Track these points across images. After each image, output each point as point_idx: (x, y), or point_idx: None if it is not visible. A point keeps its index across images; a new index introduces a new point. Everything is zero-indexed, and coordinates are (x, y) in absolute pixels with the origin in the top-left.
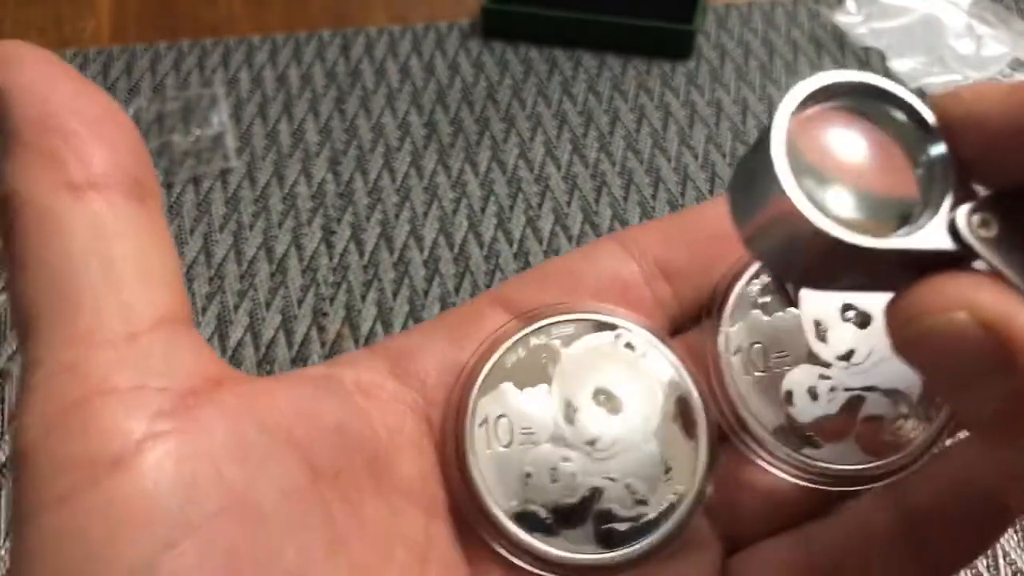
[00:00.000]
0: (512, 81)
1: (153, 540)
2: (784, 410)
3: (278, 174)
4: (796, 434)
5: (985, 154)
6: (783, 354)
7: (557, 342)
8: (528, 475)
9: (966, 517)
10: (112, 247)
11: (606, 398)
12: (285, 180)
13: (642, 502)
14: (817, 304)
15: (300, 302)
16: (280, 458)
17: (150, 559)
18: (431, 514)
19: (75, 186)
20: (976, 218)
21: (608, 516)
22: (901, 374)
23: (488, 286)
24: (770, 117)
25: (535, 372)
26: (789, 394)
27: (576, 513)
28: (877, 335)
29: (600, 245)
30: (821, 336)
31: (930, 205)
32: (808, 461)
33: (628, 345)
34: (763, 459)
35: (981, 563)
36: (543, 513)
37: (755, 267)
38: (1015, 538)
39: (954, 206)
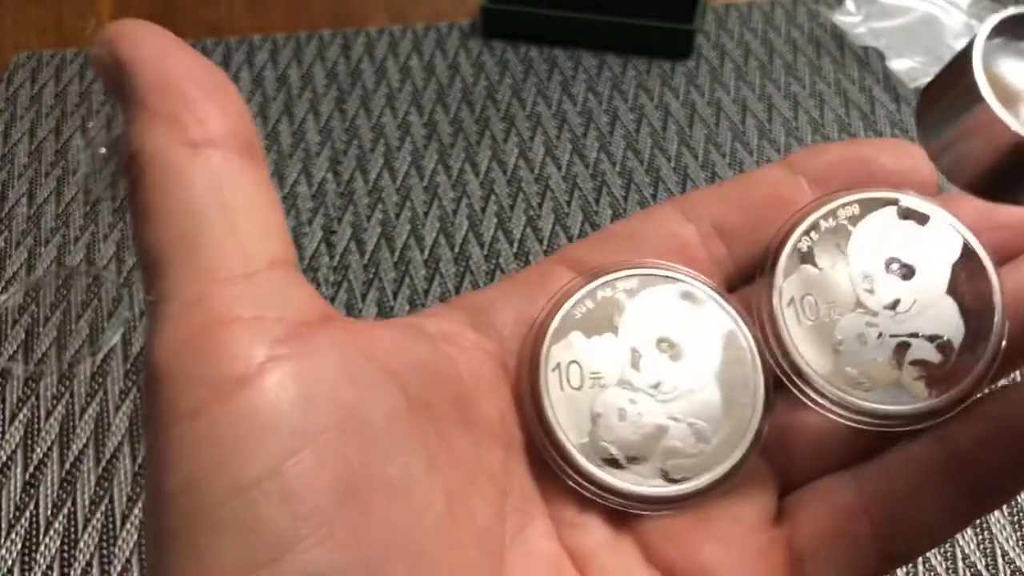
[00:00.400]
0: (512, 81)
1: (276, 448)
2: (835, 356)
3: (279, 174)
4: (846, 379)
5: None
6: (833, 304)
7: (622, 295)
8: (598, 415)
9: (1012, 453)
10: (229, 196)
11: (668, 345)
12: (286, 180)
13: (704, 440)
14: (864, 258)
15: None
16: (382, 384)
17: (274, 464)
18: (509, 450)
19: (194, 143)
20: None
21: (672, 452)
22: (944, 321)
23: None
24: (968, 43)
25: (602, 322)
26: (840, 341)
27: (642, 449)
28: (920, 286)
29: (659, 209)
30: (869, 287)
31: None
32: (858, 403)
33: (687, 296)
34: (815, 403)
35: (980, 562)
36: (613, 449)
37: (806, 224)
38: (1014, 537)
39: None
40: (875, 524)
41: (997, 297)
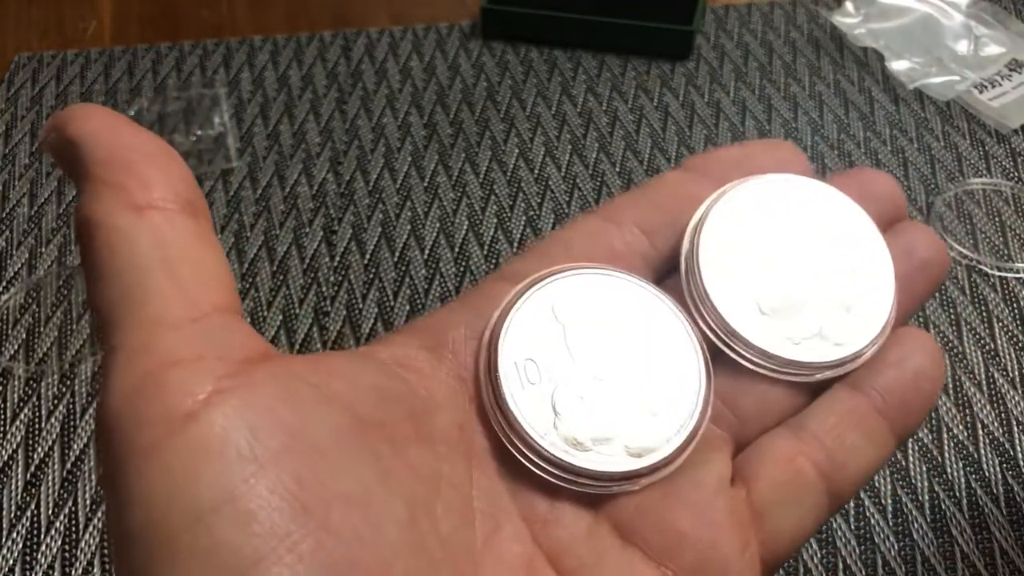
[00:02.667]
0: (512, 82)
1: (228, 474)
2: (762, 317)
3: (279, 174)
4: (776, 337)
5: None
6: (753, 273)
7: (562, 293)
8: (558, 404)
9: (916, 392)
10: (172, 252)
11: (611, 331)
12: (286, 180)
13: (658, 415)
14: (769, 232)
15: (301, 301)
16: (328, 406)
17: (228, 489)
18: (472, 460)
19: (138, 206)
20: None
21: (632, 431)
22: (853, 275)
23: None
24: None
25: (548, 320)
26: (764, 304)
27: (604, 430)
28: (821, 248)
29: (584, 218)
30: (778, 257)
31: None
32: (789, 357)
33: (622, 287)
34: (752, 361)
35: (980, 562)
36: (578, 434)
37: (716, 208)
38: (1013, 536)
39: None
40: (816, 464)
41: (889, 259)
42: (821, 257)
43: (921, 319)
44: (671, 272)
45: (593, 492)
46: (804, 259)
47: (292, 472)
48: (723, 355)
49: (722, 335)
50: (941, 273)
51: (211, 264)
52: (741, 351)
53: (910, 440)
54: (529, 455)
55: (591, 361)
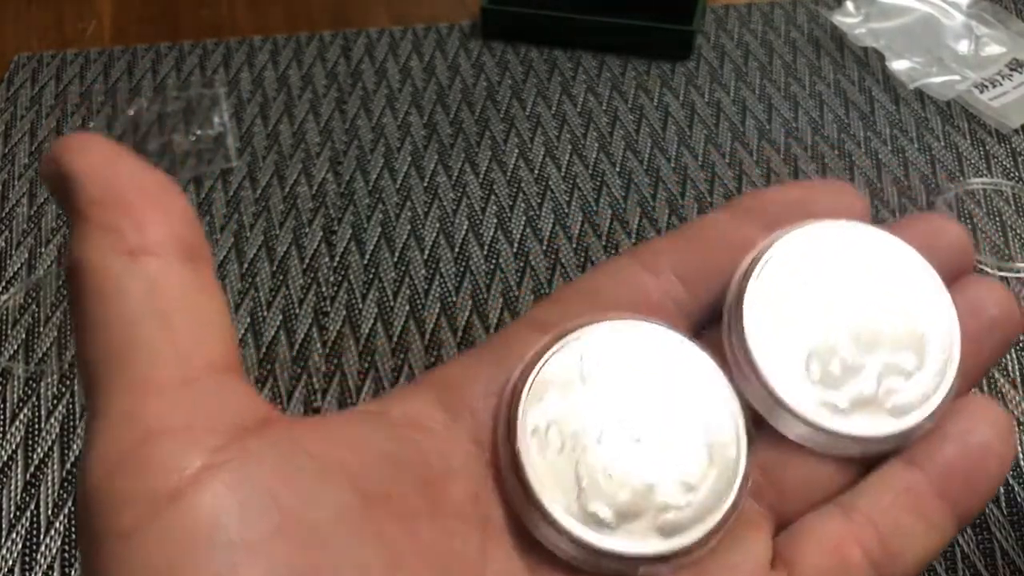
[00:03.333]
0: (512, 82)
1: (214, 564)
2: (811, 383)
3: (279, 174)
4: (826, 405)
5: None
6: (803, 332)
7: (594, 349)
8: (583, 476)
9: (982, 470)
10: (166, 303)
11: (645, 395)
12: (286, 180)
13: (692, 490)
14: (826, 284)
15: (301, 302)
16: (330, 482)
17: None
18: (486, 532)
19: (132, 251)
20: None
21: (663, 507)
22: (907, 340)
23: (488, 286)
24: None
25: (576, 380)
26: (814, 368)
27: (633, 507)
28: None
29: (617, 261)
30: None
31: None
32: (840, 431)
33: (657, 345)
34: (797, 432)
35: (980, 562)
36: (603, 511)
37: (764, 259)
38: (1014, 536)
39: None
40: (868, 553)
41: (954, 317)
42: (881, 316)
43: None
44: (711, 325)
45: (619, 574)
46: (862, 318)
47: (285, 560)
48: (766, 423)
49: (765, 402)
50: (1012, 333)
51: (209, 317)
52: (786, 421)
53: None
54: (548, 533)
55: (621, 428)
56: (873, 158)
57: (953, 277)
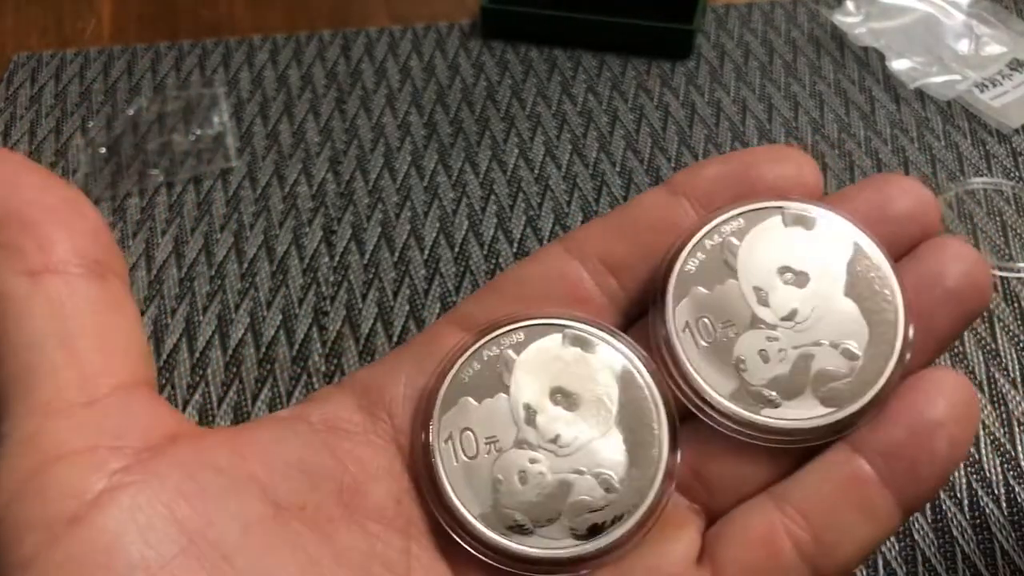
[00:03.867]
0: (512, 81)
1: None
2: (738, 376)
3: (279, 174)
4: (753, 397)
5: None
6: (729, 323)
7: (509, 350)
8: (498, 481)
9: (926, 452)
10: (70, 323)
11: (562, 396)
12: (286, 180)
13: (612, 490)
14: (755, 271)
15: (301, 301)
16: (239, 496)
17: None
18: (409, 535)
19: (34, 271)
20: None
21: (581, 508)
22: (846, 326)
23: None
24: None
25: (492, 382)
26: (740, 360)
27: (549, 509)
28: (817, 292)
29: (545, 251)
30: (763, 301)
31: None
32: (767, 422)
33: (577, 342)
34: (724, 427)
35: (980, 562)
36: (517, 515)
37: (691, 245)
38: (1014, 537)
39: None
40: (799, 545)
41: (898, 294)
42: (816, 301)
43: None
44: (643, 315)
45: None
46: (793, 306)
47: None
48: (695, 416)
49: (691, 396)
50: (975, 300)
51: (116, 335)
52: (713, 416)
53: None
54: (465, 537)
55: (537, 430)
56: (873, 158)
57: (912, 243)
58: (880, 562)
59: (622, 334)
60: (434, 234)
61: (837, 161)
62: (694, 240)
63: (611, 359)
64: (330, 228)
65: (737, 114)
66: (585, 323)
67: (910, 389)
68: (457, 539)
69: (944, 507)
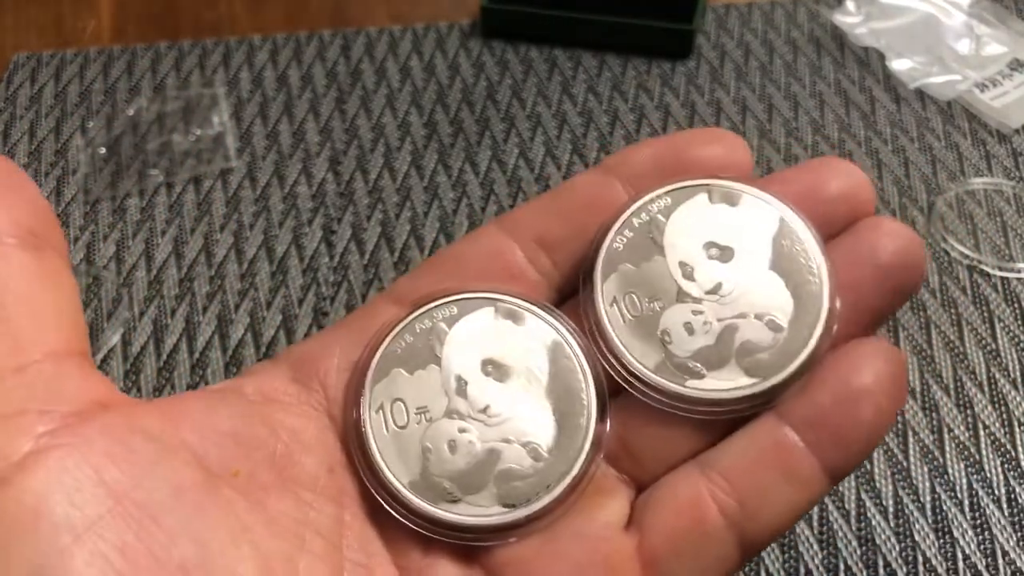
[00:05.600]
0: (512, 81)
1: (41, 546)
2: (663, 348)
3: (279, 174)
4: (679, 369)
5: None
6: (655, 298)
7: (442, 323)
8: (428, 450)
9: (851, 419)
10: (2, 293)
11: (493, 367)
12: (286, 180)
13: (540, 459)
14: (680, 247)
15: (301, 302)
16: (169, 461)
17: (40, 563)
18: (342, 503)
19: None
20: None
21: (509, 476)
22: (771, 298)
23: None
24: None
25: (424, 354)
26: (666, 332)
27: (477, 478)
28: (741, 266)
29: (481, 230)
30: (688, 275)
31: None
32: (692, 393)
33: (509, 315)
34: (651, 398)
35: (980, 563)
36: (446, 483)
37: (619, 223)
38: (1014, 537)
39: None
40: (724, 511)
41: (824, 268)
42: (741, 278)
43: (922, 320)
44: (575, 293)
45: (466, 544)
46: (720, 280)
47: (115, 541)
48: (624, 391)
49: (619, 369)
50: (909, 276)
51: (51, 304)
52: (640, 388)
53: (911, 441)
54: (394, 504)
55: (467, 399)
56: (874, 158)
57: (846, 223)
58: (880, 562)
59: (553, 308)
60: (434, 234)
61: None
62: (622, 218)
63: (542, 332)
64: (330, 228)
65: (737, 114)
66: (517, 297)
67: (837, 359)
68: (387, 507)
69: (944, 507)
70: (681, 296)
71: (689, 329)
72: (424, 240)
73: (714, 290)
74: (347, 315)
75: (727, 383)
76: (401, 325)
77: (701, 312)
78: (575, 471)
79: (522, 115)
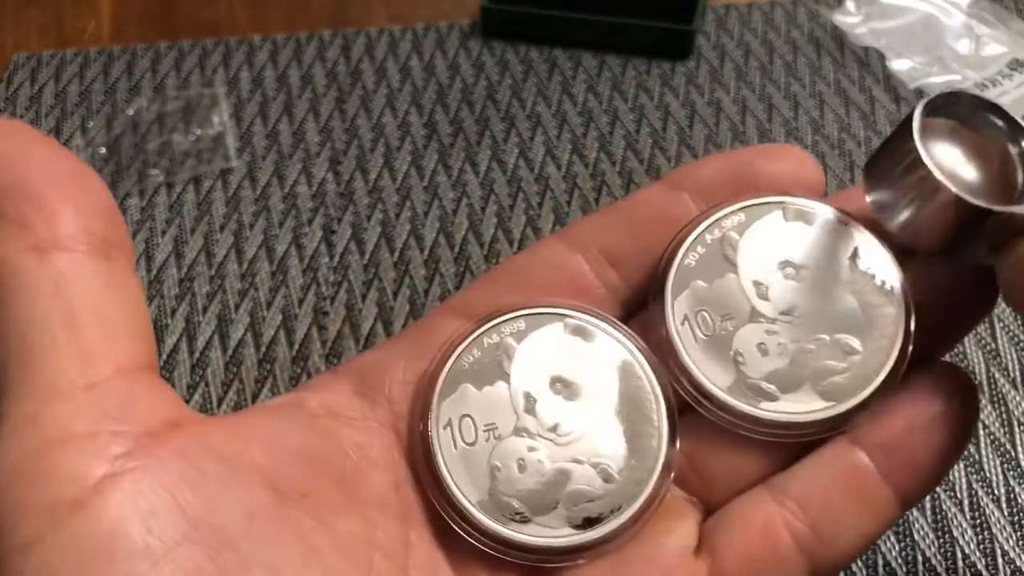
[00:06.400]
0: (512, 81)
1: (118, 573)
2: (736, 369)
3: (279, 174)
4: (752, 390)
5: None
6: (728, 316)
7: (510, 338)
8: (496, 468)
9: (930, 449)
10: (74, 302)
11: (563, 385)
12: (286, 180)
13: (610, 480)
14: (754, 265)
15: (301, 302)
16: (241, 483)
17: None
18: (408, 523)
19: (41, 247)
20: None
21: (578, 497)
22: (846, 319)
23: None
24: (908, 119)
25: (492, 370)
26: (739, 353)
27: (547, 498)
28: (816, 287)
29: (545, 243)
30: (762, 295)
31: None
32: (765, 415)
33: (578, 331)
34: (723, 419)
35: (980, 563)
36: (515, 503)
37: (692, 238)
38: (1014, 537)
39: None
40: (797, 537)
41: (899, 288)
42: (816, 296)
43: None
44: (642, 308)
45: (534, 565)
46: (793, 300)
47: (191, 568)
48: (693, 409)
49: (690, 389)
50: (984, 304)
51: (121, 315)
52: (711, 409)
53: None
54: (463, 524)
55: (537, 418)
56: None
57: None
58: (880, 562)
59: (622, 325)
60: (434, 234)
61: (837, 161)
62: (695, 234)
63: (611, 349)
64: (330, 228)
65: (737, 114)
66: (586, 313)
67: (911, 384)
68: (454, 526)
69: (944, 507)
70: (754, 316)
71: (763, 350)
72: (424, 240)
73: (788, 311)
74: (406, 328)
75: (801, 406)
76: (468, 339)
77: (775, 333)
78: (646, 493)
79: (522, 115)
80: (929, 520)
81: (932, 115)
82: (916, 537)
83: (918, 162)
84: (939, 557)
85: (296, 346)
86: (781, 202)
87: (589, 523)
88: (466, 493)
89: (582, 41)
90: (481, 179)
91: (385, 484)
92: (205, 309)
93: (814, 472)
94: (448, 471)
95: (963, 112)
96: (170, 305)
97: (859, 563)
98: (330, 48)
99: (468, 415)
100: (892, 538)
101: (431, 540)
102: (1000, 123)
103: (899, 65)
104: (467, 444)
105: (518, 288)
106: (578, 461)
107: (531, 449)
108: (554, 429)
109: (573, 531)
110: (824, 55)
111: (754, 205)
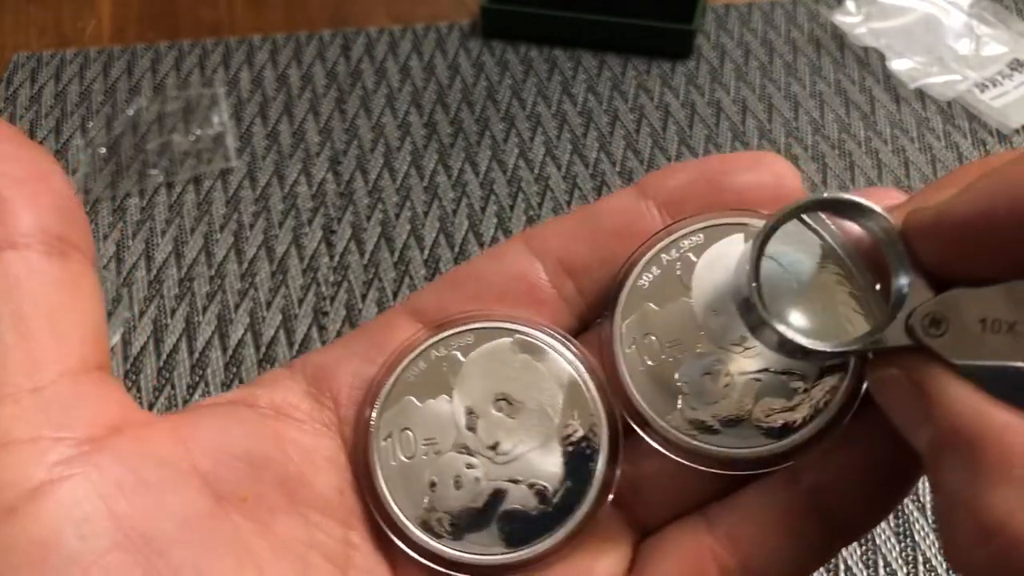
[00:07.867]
0: (512, 81)
1: None
2: (679, 399)
3: (279, 174)
4: (693, 424)
5: (945, 259)
6: (676, 344)
7: (457, 352)
8: (433, 483)
9: (871, 491)
10: (24, 303)
11: (506, 403)
12: (285, 180)
13: (546, 501)
14: (710, 292)
15: (301, 301)
16: (180, 489)
17: None
18: (350, 525)
19: None
20: (927, 320)
21: (512, 516)
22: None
23: None
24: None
25: (437, 383)
26: (683, 384)
27: (480, 516)
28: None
29: (507, 246)
30: (714, 324)
31: (894, 304)
32: (705, 448)
33: (526, 348)
34: (663, 448)
35: None
36: (448, 519)
37: (647, 258)
38: None
39: (911, 308)
40: (725, 570)
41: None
42: (766, 331)
43: None
44: (598, 319)
45: None
46: (744, 331)
47: (122, 572)
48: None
49: (634, 417)
50: None
51: (73, 315)
52: (651, 437)
53: None
54: (398, 538)
55: (477, 435)
56: (874, 158)
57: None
58: (880, 562)
59: (573, 341)
60: (434, 234)
61: (837, 161)
62: (650, 254)
63: (559, 368)
64: (330, 228)
65: (737, 114)
66: (537, 329)
67: (858, 422)
68: (390, 534)
69: None
70: (704, 345)
71: (709, 382)
72: (424, 240)
73: (738, 342)
74: (364, 323)
75: (742, 441)
76: (416, 351)
77: (723, 363)
78: (580, 516)
79: (522, 115)
80: (929, 520)
81: (810, 212)
82: (916, 537)
83: (750, 302)
84: (939, 557)
85: (296, 345)
86: (743, 224)
87: (521, 542)
88: (402, 507)
89: (582, 41)
90: (481, 179)
91: (328, 487)
92: (205, 309)
93: (750, 507)
94: (385, 485)
95: (834, 210)
96: (170, 305)
97: (859, 563)
98: (330, 48)
99: (409, 428)
100: (892, 539)
101: (372, 543)
102: (872, 226)
103: (899, 65)
104: (406, 458)
105: (476, 295)
106: (515, 480)
107: (469, 466)
108: (494, 447)
109: (505, 550)
110: (824, 55)
111: (715, 226)
